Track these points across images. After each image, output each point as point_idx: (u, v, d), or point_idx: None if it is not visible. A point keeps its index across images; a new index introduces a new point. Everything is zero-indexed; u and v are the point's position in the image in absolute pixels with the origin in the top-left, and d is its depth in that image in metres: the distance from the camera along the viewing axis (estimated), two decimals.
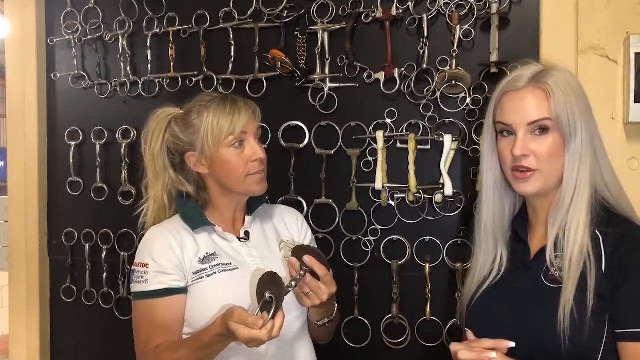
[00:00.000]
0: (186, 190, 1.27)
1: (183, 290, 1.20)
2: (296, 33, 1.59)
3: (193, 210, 1.26)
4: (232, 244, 1.26)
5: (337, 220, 1.58)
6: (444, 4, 1.46)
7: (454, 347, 0.96)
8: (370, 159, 1.54)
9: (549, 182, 1.03)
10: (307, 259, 1.13)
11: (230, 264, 1.22)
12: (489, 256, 1.13)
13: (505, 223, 1.13)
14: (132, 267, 1.23)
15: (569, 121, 1.00)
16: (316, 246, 1.41)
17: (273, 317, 1.02)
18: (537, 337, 0.98)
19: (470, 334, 1.00)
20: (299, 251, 1.17)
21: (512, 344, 0.93)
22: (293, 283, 1.11)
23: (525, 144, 1.01)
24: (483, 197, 1.13)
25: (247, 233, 1.29)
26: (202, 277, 1.20)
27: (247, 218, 1.31)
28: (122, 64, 1.78)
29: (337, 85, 1.57)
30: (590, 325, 0.94)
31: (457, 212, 1.49)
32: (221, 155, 1.20)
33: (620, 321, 0.95)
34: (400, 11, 1.49)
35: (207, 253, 1.22)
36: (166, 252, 1.20)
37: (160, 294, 1.18)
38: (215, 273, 1.20)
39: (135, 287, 1.21)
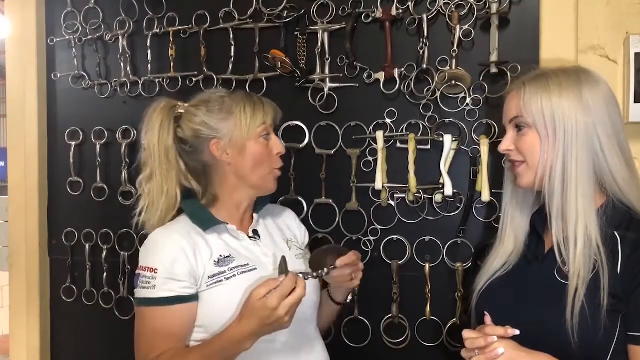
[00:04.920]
0: (190, 185, 1.24)
1: (194, 298, 1.14)
2: (296, 33, 1.59)
3: (201, 210, 1.22)
4: (243, 242, 1.23)
5: (337, 220, 1.58)
6: (444, 4, 1.46)
7: (466, 334, 0.99)
8: (370, 159, 1.54)
9: (538, 176, 1.05)
10: (339, 262, 1.16)
11: (247, 265, 1.19)
12: (507, 248, 1.15)
13: (526, 218, 1.16)
14: (138, 271, 1.16)
15: (544, 118, 1.02)
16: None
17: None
18: (543, 332, 0.99)
19: (488, 319, 1.01)
20: (322, 254, 1.20)
21: (517, 332, 0.95)
22: (318, 273, 1.14)
23: (508, 141, 1.09)
24: (506, 190, 1.18)
25: (255, 232, 1.27)
26: (220, 281, 1.15)
27: (255, 216, 1.29)
28: (122, 64, 1.78)
29: (337, 85, 1.57)
30: (605, 325, 0.95)
31: (457, 212, 1.49)
32: (250, 145, 1.20)
33: (631, 324, 0.96)
34: (400, 11, 1.49)
35: (221, 255, 1.18)
36: (179, 257, 1.14)
37: (168, 301, 1.12)
38: (235, 276, 1.16)
39: (141, 293, 1.14)
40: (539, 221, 1.13)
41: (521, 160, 1.08)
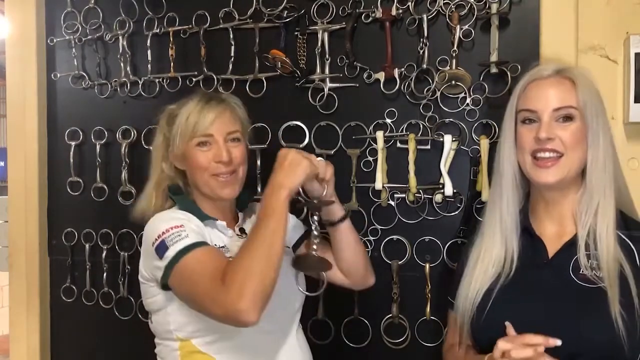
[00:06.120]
0: (176, 183, 1.27)
1: None
2: (296, 33, 1.59)
3: (193, 205, 1.24)
4: (232, 239, 1.23)
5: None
6: (444, 4, 1.46)
7: (502, 345, 0.93)
8: (370, 159, 1.54)
9: (570, 172, 1.04)
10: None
11: None
12: (501, 252, 1.11)
13: (517, 217, 1.13)
14: (160, 238, 1.11)
15: (593, 114, 1.02)
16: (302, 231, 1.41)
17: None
18: (589, 338, 0.97)
19: (510, 329, 0.97)
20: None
21: (558, 342, 0.91)
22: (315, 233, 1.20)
23: (550, 129, 1.03)
24: (502, 190, 1.12)
25: (242, 230, 1.28)
26: None
27: (240, 215, 1.30)
28: (122, 64, 1.78)
29: (337, 85, 1.57)
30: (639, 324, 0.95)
31: (457, 212, 1.49)
32: (188, 152, 1.20)
33: None
34: (400, 11, 1.49)
35: (216, 245, 1.18)
36: (190, 220, 1.16)
37: (206, 244, 1.11)
38: None
39: (177, 246, 1.09)
40: (527, 222, 1.11)
41: (561, 152, 1.03)
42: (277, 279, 1.02)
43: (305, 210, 1.42)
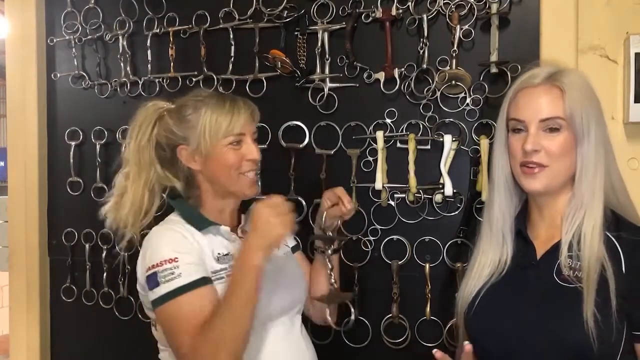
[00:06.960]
0: (172, 185, 1.23)
1: (212, 281, 1.12)
2: (296, 33, 1.59)
3: (192, 210, 1.22)
4: (235, 243, 1.22)
5: (337, 220, 1.58)
6: (444, 4, 1.46)
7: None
8: (370, 159, 1.54)
9: (556, 180, 1.04)
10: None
11: None
12: (496, 254, 1.12)
13: (512, 221, 1.13)
14: (153, 270, 1.09)
15: (582, 122, 1.01)
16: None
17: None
18: (561, 337, 0.98)
19: (469, 347, 1.00)
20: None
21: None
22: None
23: (536, 140, 1.03)
24: (495, 195, 1.13)
25: (245, 232, 1.26)
26: (221, 278, 1.13)
27: (243, 216, 1.29)
28: (122, 64, 1.78)
29: (337, 85, 1.57)
30: (617, 326, 0.95)
31: (457, 212, 1.49)
32: (217, 152, 1.17)
33: (638, 323, 0.96)
34: (400, 11, 1.49)
35: (219, 253, 1.17)
36: (188, 245, 1.13)
37: (198, 284, 1.08)
38: None
39: (168, 286, 1.07)
40: (522, 225, 1.12)
41: (545, 164, 1.03)
42: (246, 342, 1.05)
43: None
